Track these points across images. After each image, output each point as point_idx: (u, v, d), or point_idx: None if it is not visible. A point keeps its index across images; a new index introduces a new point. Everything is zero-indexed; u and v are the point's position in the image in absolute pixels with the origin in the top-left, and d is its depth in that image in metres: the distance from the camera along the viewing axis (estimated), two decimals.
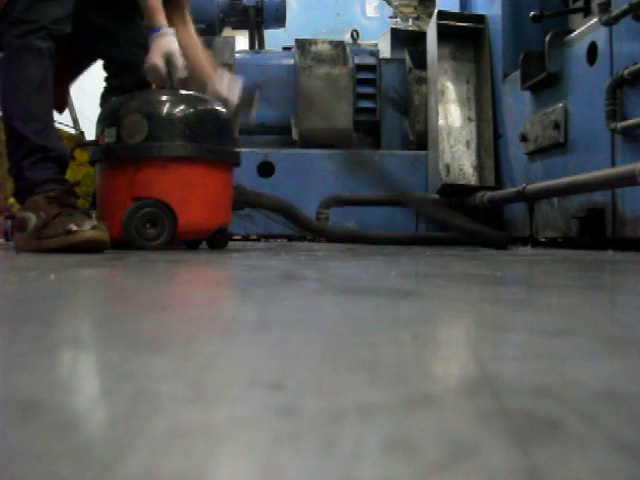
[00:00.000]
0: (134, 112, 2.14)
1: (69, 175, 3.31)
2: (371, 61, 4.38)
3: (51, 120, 2.16)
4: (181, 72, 2.20)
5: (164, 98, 2.18)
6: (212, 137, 2.20)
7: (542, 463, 0.21)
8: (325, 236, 2.84)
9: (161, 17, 2.17)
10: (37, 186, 2.01)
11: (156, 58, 2.13)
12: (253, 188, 2.72)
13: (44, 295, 0.77)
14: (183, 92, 2.23)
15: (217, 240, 2.30)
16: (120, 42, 2.41)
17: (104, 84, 2.58)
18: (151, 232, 2.11)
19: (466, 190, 3.61)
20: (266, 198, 2.70)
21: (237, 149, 2.37)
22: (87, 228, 1.82)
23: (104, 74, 2.58)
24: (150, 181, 2.12)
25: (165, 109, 2.16)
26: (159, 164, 2.12)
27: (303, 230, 2.77)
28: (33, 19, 2.07)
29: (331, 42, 4.37)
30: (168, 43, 2.14)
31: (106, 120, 2.21)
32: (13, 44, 2.06)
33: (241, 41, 5.06)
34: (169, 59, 2.15)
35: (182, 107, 2.17)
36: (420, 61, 4.19)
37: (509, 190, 3.24)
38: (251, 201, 2.61)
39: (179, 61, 2.17)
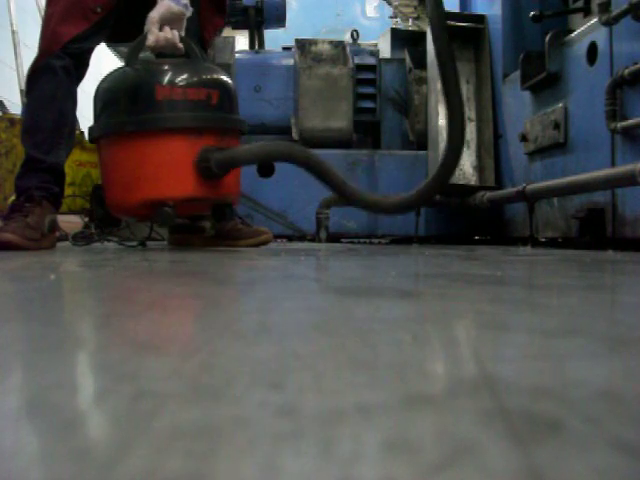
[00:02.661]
0: (195, 85, 2.12)
1: (69, 175, 3.32)
2: (371, 61, 4.38)
3: (56, 133, 2.19)
4: (149, 41, 2.13)
5: (217, 70, 2.21)
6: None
7: (542, 463, 0.21)
8: (352, 201, 2.12)
9: None
10: (22, 193, 2.11)
11: (152, 22, 2.10)
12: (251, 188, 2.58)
13: (44, 295, 0.77)
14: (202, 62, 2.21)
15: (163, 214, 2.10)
16: None
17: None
18: None
19: (466, 190, 3.61)
20: (264, 147, 2.30)
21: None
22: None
23: (103, 75, 2.59)
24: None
25: (225, 80, 2.19)
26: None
27: (324, 183, 2.15)
28: (51, 39, 2.16)
29: (331, 42, 4.37)
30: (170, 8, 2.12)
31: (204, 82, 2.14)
32: (36, 64, 2.18)
33: (241, 41, 5.05)
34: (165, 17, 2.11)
35: (222, 79, 2.19)
36: (420, 61, 4.18)
37: (509, 190, 3.24)
38: (237, 160, 2.20)
39: (153, 32, 2.12)
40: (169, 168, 2.10)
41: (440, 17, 2.02)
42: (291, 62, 4.28)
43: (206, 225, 2.57)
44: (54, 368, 0.35)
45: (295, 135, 4.10)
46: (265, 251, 2.21)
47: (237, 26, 4.80)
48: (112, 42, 2.58)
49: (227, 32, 4.86)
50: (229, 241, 2.50)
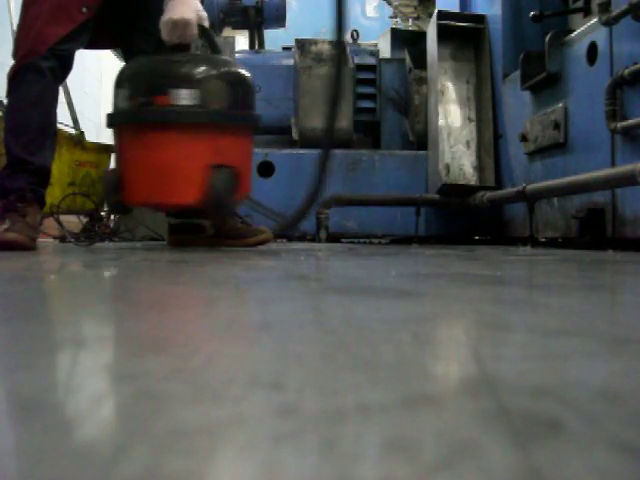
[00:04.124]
0: (217, 78, 2.14)
1: (69, 175, 3.32)
2: (371, 61, 4.38)
3: (42, 134, 2.20)
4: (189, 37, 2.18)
5: (236, 64, 2.24)
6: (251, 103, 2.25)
7: (542, 463, 0.21)
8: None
9: None
10: (10, 193, 2.12)
11: (189, 13, 2.12)
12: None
13: (44, 295, 0.77)
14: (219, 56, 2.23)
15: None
16: (144, 34, 2.43)
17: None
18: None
19: (466, 190, 3.60)
20: None
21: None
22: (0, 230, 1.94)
23: (103, 75, 2.61)
24: (228, 148, 2.15)
25: (245, 75, 2.20)
26: (235, 131, 2.17)
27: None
28: (37, 39, 2.16)
29: (331, 42, 4.36)
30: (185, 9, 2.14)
31: (179, 80, 2.14)
32: (19, 64, 2.17)
33: (241, 41, 5.05)
34: (199, 16, 2.14)
35: (242, 73, 2.20)
36: (420, 61, 4.18)
37: (509, 190, 3.24)
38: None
39: (206, 19, 2.18)
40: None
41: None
42: (291, 62, 4.28)
43: (206, 225, 2.58)
44: (54, 368, 0.35)
45: (295, 135, 4.11)
46: (265, 251, 2.21)
47: (237, 26, 4.80)
48: (90, 48, 2.58)
49: (227, 32, 4.86)
50: (229, 241, 2.50)
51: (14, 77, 2.21)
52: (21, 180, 2.14)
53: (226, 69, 2.18)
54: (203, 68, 2.12)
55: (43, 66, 2.17)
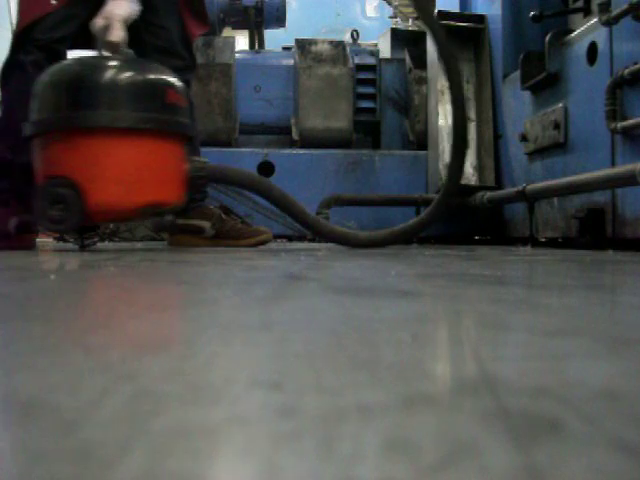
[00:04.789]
0: (41, 83, 1.98)
1: None
2: (371, 61, 4.38)
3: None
4: (115, 37, 2.08)
5: (64, 65, 2.04)
6: (129, 103, 1.98)
7: (542, 463, 0.21)
8: (318, 234, 2.34)
9: None
10: None
11: (118, 11, 2.09)
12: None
13: (44, 295, 0.77)
14: (91, 54, 2.12)
15: (157, 223, 2.08)
16: (152, 28, 2.43)
17: None
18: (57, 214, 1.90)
19: (466, 190, 3.60)
20: (235, 172, 2.28)
21: (179, 117, 2.08)
22: None
23: None
24: (55, 157, 1.95)
25: (62, 76, 2.00)
26: (63, 137, 1.95)
27: (292, 219, 2.30)
28: (18, 32, 2.19)
29: (331, 42, 4.36)
30: (115, 7, 2.09)
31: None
32: (5, 63, 2.20)
33: (241, 41, 5.05)
34: (109, 22, 2.06)
35: (78, 72, 2.00)
36: (420, 61, 4.18)
37: (509, 190, 3.24)
38: (212, 176, 2.20)
39: (117, 29, 2.09)
40: (171, 172, 2.06)
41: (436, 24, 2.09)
42: (291, 62, 4.28)
43: (206, 225, 2.58)
44: (54, 368, 0.35)
45: (295, 135, 4.11)
46: (265, 251, 2.21)
47: (237, 26, 4.80)
48: (77, 49, 2.58)
49: (227, 32, 4.86)
50: (229, 241, 2.50)
51: (3, 76, 2.21)
52: (3, 181, 2.17)
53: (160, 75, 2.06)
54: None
55: (25, 60, 2.15)
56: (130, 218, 2.18)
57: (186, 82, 2.52)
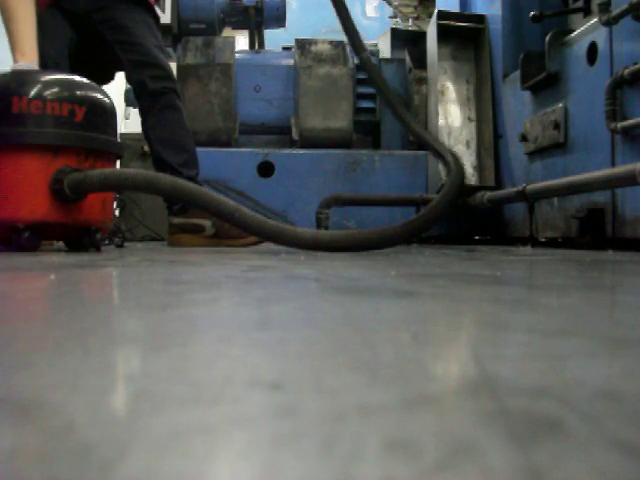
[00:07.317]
0: None
1: None
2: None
3: None
4: None
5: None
6: None
7: (542, 463, 0.21)
8: (238, 225, 1.92)
9: (27, 48, 2.06)
10: None
11: None
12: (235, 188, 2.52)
13: (44, 295, 0.77)
14: None
15: (21, 240, 1.91)
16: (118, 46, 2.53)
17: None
18: None
19: (466, 190, 3.60)
20: (120, 175, 1.99)
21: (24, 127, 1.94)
22: None
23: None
24: None
25: (103, 99, 2.06)
26: None
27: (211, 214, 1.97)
28: None
29: (331, 42, 4.36)
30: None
31: None
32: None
33: (241, 41, 5.05)
34: None
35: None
36: (420, 61, 4.18)
37: (509, 190, 3.24)
38: (93, 186, 1.93)
39: None
40: (21, 187, 1.92)
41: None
42: (291, 62, 4.28)
43: (206, 224, 2.58)
44: (54, 368, 0.35)
45: (295, 135, 4.11)
46: (265, 251, 2.21)
47: (237, 26, 4.80)
48: (104, 83, 2.64)
49: (227, 32, 4.86)
50: (228, 240, 2.51)
51: None
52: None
53: (71, 91, 1.99)
54: (44, 88, 1.96)
55: None
56: None
57: (170, 90, 2.57)
